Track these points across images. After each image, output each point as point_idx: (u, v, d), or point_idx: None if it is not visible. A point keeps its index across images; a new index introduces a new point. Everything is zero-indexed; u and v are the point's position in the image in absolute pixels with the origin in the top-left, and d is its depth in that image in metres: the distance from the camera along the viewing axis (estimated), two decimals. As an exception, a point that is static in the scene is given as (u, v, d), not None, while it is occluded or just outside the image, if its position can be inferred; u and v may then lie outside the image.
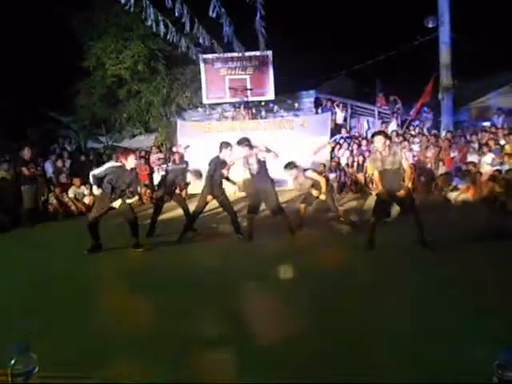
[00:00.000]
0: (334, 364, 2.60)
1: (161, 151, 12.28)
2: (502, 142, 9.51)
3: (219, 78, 12.43)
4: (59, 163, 10.87)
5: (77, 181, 9.92)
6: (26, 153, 8.82)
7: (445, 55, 11.64)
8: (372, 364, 2.58)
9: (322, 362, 2.62)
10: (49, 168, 10.68)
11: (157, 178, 11.26)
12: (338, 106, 13.30)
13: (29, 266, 5.41)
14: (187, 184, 8.04)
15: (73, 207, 9.49)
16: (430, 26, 11.73)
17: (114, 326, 3.42)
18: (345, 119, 13.44)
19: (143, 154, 12.02)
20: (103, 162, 11.80)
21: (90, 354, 2.88)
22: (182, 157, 7.62)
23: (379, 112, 13.64)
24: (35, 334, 3.12)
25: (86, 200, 9.78)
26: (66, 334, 3.25)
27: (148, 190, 10.85)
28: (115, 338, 3.13)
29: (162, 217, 7.04)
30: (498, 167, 8.43)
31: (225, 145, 6.17)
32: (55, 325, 3.45)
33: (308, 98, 13.72)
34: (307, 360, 2.66)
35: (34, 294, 4.36)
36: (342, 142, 11.73)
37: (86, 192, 9.89)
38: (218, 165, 6.07)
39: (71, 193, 9.71)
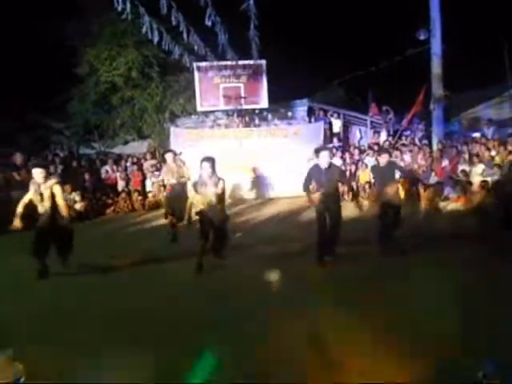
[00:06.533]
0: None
1: (154, 158, 12.27)
2: (493, 152, 9.62)
3: (213, 85, 12.44)
4: (51, 169, 10.77)
5: (68, 187, 9.83)
6: (18, 158, 8.77)
7: (436, 66, 11.78)
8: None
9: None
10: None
11: (149, 185, 11.28)
12: (332, 115, 13.38)
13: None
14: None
15: (64, 213, 9.39)
16: (422, 38, 11.90)
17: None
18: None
19: (135, 160, 12.01)
20: (95, 168, 11.89)
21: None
22: None
23: (371, 121, 13.75)
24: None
25: (77, 206, 9.71)
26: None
27: (140, 197, 10.80)
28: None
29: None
30: (489, 178, 8.52)
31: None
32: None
33: (301, 107, 13.78)
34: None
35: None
36: (334, 151, 11.79)
37: (77, 198, 9.83)
38: None
39: (62, 199, 9.61)
